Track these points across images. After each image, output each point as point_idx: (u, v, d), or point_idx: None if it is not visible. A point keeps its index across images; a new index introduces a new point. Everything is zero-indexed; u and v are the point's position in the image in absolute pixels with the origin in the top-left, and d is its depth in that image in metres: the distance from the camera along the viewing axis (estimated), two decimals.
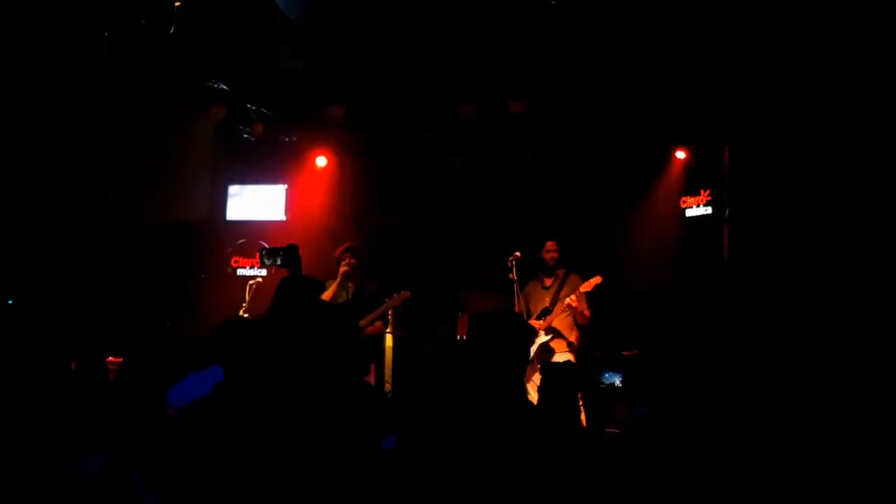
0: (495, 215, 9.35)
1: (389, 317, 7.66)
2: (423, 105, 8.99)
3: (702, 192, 8.61)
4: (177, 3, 6.41)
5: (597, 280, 7.39)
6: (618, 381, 7.14)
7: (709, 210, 8.52)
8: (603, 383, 7.52)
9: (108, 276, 6.44)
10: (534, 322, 7.57)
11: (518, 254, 7.76)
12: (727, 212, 7.61)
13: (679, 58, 7.33)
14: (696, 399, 3.05)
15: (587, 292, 7.43)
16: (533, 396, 7.09)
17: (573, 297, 7.35)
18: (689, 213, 8.72)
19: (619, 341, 7.98)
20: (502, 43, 7.96)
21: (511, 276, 7.69)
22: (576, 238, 8.20)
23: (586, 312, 7.45)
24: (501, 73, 8.46)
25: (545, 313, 7.55)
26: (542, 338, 7.52)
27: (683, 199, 8.79)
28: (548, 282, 7.75)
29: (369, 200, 9.81)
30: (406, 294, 7.51)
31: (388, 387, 7.79)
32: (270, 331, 2.13)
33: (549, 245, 7.71)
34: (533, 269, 7.91)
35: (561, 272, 7.71)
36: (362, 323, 7.28)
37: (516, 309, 7.62)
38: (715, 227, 7.93)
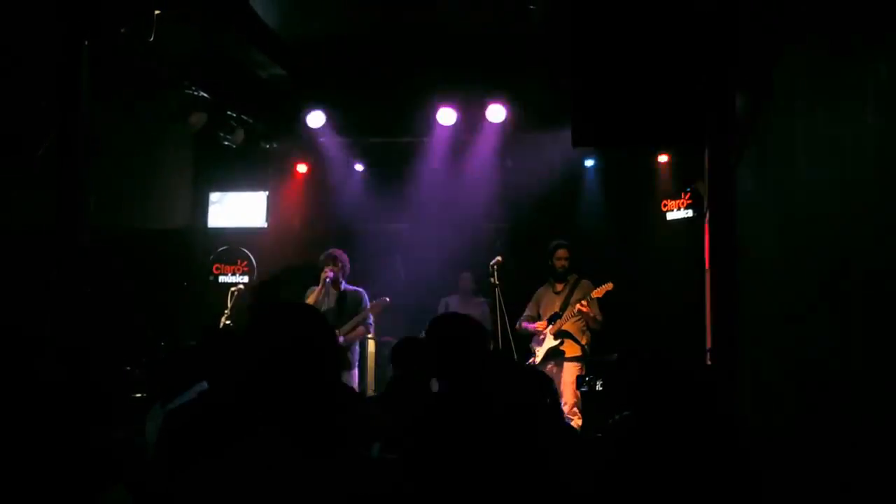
0: (476, 220, 9.38)
1: (371, 323, 7.68)
2: (403, 110, 9.02)
3: (682, 195, 8.66)
4: (157, 12, 6.40)
5: (608, 287, 7.50)
6: (598, 385, 7.16)
7: (689, 213, 8.57)
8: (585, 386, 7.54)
9: (89, 285, 6.41)
10: (542, 325, 7.66)
11: (500, 258, 7.81)
12: (707, 214, 7.64)
13: (659, 61, 7.36)
14: (680, 401, 3.07)
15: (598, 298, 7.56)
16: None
17: (584, 302, 7.44)
18: (670, 216, 8.78)
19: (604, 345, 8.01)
20: (481, 47, 7.99)
21: (493, 280, 7.73)
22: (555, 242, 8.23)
23: (598, 317, 7.54)
24: (481, 77, 8.49)
25: (555, 318, 7.63)
26: (551, 342, 7.59)
27: (664, 202, 8.84)
28: (559, 287, 7.82)
29: (350, 206, 9.81)
30: (386, 300, 7.54)
31: (370, 392, 7.81)
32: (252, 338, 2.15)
33: (560, 252, 7.79)
34: (516, 274, 7.97)
35: (572, 278, 7.79)
36: (343, 331, 7.29)
37: (497, 313, 7.65)
38: (696, 230, 7.98)
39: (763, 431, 4.16)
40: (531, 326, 7.80)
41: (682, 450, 3.05)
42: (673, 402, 3.17)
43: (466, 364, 2.89)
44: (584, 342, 7.61)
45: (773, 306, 4.39)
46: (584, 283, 7.70)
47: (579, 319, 7.57)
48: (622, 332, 7.74)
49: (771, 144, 4.62)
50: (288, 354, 1.94)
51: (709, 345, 7.10)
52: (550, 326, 7.63)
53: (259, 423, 1.91)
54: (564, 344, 7.59)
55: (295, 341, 1.96)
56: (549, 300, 7.82)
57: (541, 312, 7.83)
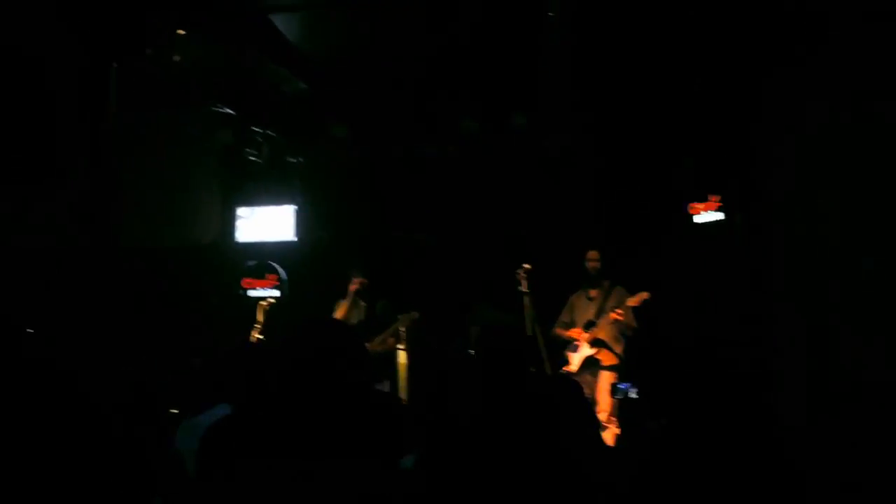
0: (504, 228, 9.36)
1: (402, 333, 7.68)
2: (426, 121, 9.03)
3: (711, 197, 8.56)
4: (180, 32, 6.47)
5: (644, 296, 7.43)
6: (634, 393, 7.10)
7: (721, 216, 8.47)
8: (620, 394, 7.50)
9: (119, 301, 6.48)
10: (577, 332, 7.59)
11: (528, 265, 7.76)
12: (738, 217, 7.59)
13: (685, 66, 7.33)
14: (716, 408, 3.04)
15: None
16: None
17: (619, 311, 7.38)
18: (697, 219, 8.67)
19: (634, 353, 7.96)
20: (503, 57, 7.99)
21: (521, 287, 7.69)
22: (584, 248, 8.18)
23: (633, 324, 7.48)
24: (503, 87, 8.48)
25: (590, 325, 7.57)
26: (587, 350, 7.54)
27: (692, 205, 8.74)
28: (593, 293, 7.76)
29: (378, 218, 9.83)
30: (414, 315, 7.54)
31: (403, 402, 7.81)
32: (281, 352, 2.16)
33: (591, 254, 7.73)
34: (547, 281, 7.92)
35: (606, 283, 7.72)
36: (373, 343, 7.30)
37: (527, 321, 7.61)
38: (726, 233, 7.92)
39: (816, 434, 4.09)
40: (566, 333, 7.76)
41: (717, 454, 3.02)
42: (710, 409, 3.14)
43: (516, 378, 2.88)
44: (618, 350, 7.56)
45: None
46: (619, 289, 7.64)
47: (614, 326, 7.52)
48: (652, 336, 7.67)
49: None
50: (316, 368, 1.95)
51: (745, 347, 7.06)
52: (586, 334, 7.58)
53: (292, 436, 1.91)
54: (600, 352, 7.55)
55: (323, 355, 1.97)
56: (583, 307, 7.77)
57: (574, 319, 7.78)
